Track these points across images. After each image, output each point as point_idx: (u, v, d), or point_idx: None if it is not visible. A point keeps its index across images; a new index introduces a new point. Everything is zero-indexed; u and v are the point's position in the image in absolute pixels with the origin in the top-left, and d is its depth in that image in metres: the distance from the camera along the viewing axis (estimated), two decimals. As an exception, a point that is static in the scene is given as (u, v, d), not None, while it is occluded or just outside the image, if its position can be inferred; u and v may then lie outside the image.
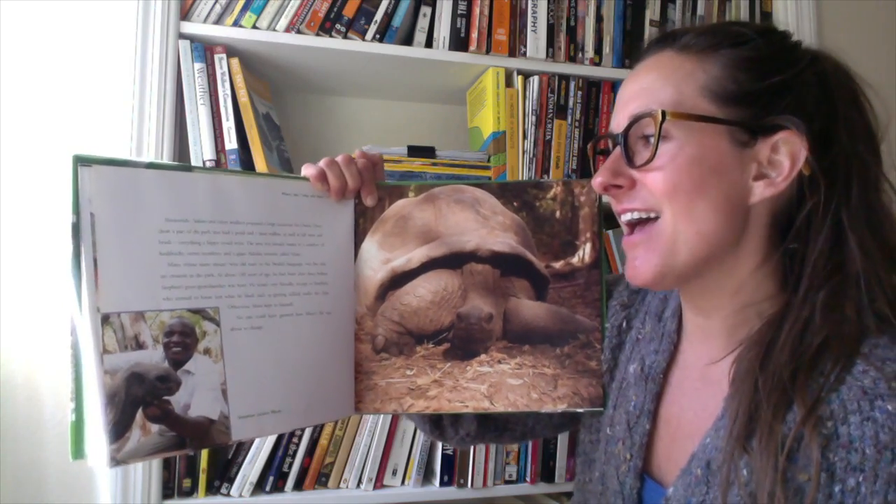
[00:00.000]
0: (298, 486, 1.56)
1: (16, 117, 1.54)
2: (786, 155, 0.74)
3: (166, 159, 1.47)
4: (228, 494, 1.51)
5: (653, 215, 0.78)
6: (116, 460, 0.71)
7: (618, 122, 0.80)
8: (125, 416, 0.72)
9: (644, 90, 0.78)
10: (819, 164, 0.74)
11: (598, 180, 0.79)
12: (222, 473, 1.53)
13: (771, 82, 0.75)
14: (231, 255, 0.81)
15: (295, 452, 1.56)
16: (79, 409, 0.72)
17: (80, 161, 0.72)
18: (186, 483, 1.50)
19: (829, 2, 1.99)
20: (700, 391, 0.83)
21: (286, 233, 0.87)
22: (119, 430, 0.71)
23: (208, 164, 1.50)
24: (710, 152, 0.75)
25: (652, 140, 0.75)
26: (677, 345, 0.89)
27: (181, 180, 0.79)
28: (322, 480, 1.58)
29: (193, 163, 1.50)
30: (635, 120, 0.77)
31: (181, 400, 0.76)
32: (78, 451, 0.72)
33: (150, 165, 0.77)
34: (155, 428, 0.74)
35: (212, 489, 1.53)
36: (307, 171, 0.90)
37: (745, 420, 0.70)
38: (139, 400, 0.73)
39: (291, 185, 0.88)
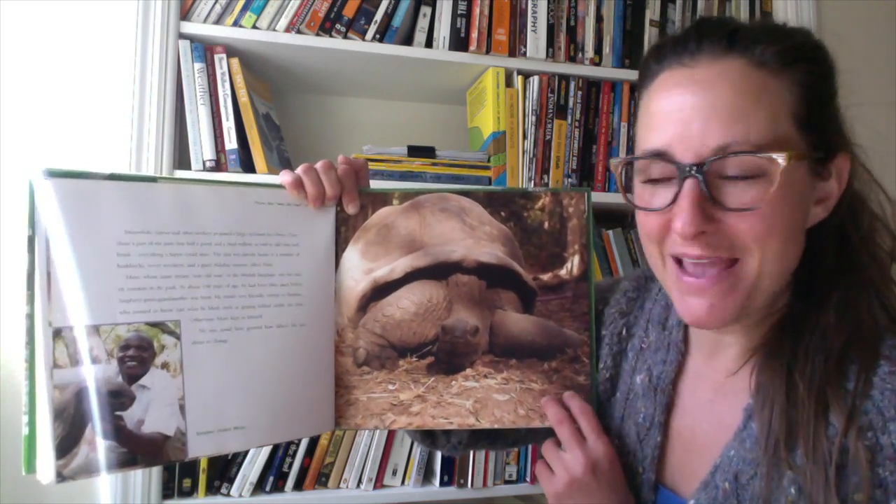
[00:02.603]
0: (298, 486, 1.57)
1: (16, 117, 1.55)
2: (835, 176, 0.72)
3: (166, 159, 1.48)
4: (228, 494, 1.52)
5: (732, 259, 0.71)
6: (63, 476, 0.70)
7: (684, 139, 0.69)
8: (73, 432, 0.71)
9: (732, 110, 0.67)
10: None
11: (689, 229, 0.67)
12: (222, 473, 1.54)
13: (833, 102, 0.70)
14: (196, 266, 0.80)
15: (295, 452, 1.56)
16: (31, 423, 0.71)
17: (41, 174, 0.72)
18: (186, 483, 1.51)
19: (830, 2, 1.96)
20: (714, 402, 0.81)
21: (257, 242, 0.84)
22: (66, 445, 0.70)
23: (208, 164, 1.51)
24: (796, 187, 0.69)
25: (739, 175, 0.67)
26: (685, 354, 0.86)
27: (143, 191, 0.78)
28: (322, 480, 1.58)
29: (193, 163, 1.51)
30: (731, 153, 0.66)
31: (135, 415, 0.74)
32: (30, 465, 0.71)
33: (112, 177, 0.76)
34: (105, 444, 0.72)
35: (212, 489, 1.54)
36: (283, 178, 0.87)
37: (785, 435, 0.68)
38: (89, 416, 0.72)
39: (266, 194, 0.86)
